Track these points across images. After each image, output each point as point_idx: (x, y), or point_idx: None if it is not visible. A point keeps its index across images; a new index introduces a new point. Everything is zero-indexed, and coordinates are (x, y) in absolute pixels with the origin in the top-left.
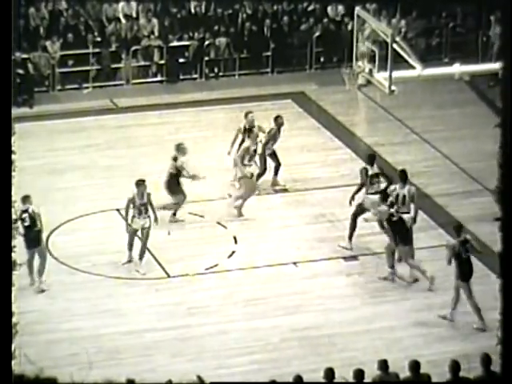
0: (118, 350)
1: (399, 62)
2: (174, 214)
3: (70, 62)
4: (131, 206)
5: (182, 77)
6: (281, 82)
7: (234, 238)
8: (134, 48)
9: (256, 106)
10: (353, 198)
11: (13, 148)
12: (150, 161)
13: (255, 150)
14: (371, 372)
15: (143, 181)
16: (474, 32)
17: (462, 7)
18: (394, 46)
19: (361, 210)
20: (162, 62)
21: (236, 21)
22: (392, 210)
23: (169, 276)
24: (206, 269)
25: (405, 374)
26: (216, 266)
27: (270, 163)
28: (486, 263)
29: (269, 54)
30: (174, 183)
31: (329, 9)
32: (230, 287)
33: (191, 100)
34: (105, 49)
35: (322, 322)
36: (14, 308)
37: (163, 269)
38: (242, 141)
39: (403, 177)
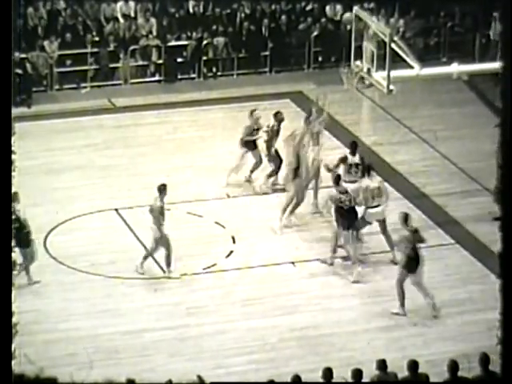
0: (116, 350)
1: (397, 61)
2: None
3: (68, 62)
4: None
5: (180, 76)
6: (279, 81)
7: (233, 238)
8: (132, 48)
9: (254, 105)
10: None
11: (13, 148)
12: (148, 160)
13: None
14: (370, 372)
15: (165, 186)
16: (472, 32)
17: (460, 7)
18: (393, 45)
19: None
20: (160, 61)
21: (234, 20)
22: (341, 197)
23: (167, 276)
24: (204, 269)
25: (403, 373)
26: (214, 265)
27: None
28: (485, 263)
29: (267, 53)
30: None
31: (327, 8)
32: (228, 287)
33: (189, 100)
34: (103, 48)
35: (320, 321)
36: (13, 308)
37: (161, 269)
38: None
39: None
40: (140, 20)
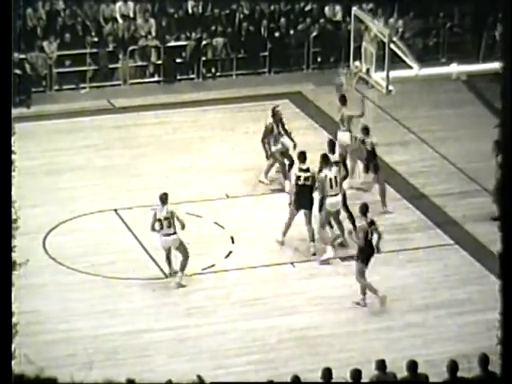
0: (116, 351)
1: (396, 62)
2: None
3: (68, 62)
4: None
5: (179, 77)
6: (278, 82)
7: (232, 238)
8: (131, 48)
9: (253, 106)
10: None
11: (13, 148)
12: (148, 161)
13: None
14: (369, 372)
15: (166, 195)
16: (471, 32)
17: (460, 7)
18: (392, 45)
19: None
20: (160, 62)
21: (233, 21)
22: (300, 174)
23: (166, 276)
24: (203, 269)
25: (402, 374)
26: (213, 266)
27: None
28: (484, 264)
29: (266, 54)
30: None
31: (326, 9)
32: (227, 288)
33: (188, 100)
34: (102, 49)
35: (320, 322)
36: (13, 308)
37: (160, 269)
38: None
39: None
40: (139, 20)
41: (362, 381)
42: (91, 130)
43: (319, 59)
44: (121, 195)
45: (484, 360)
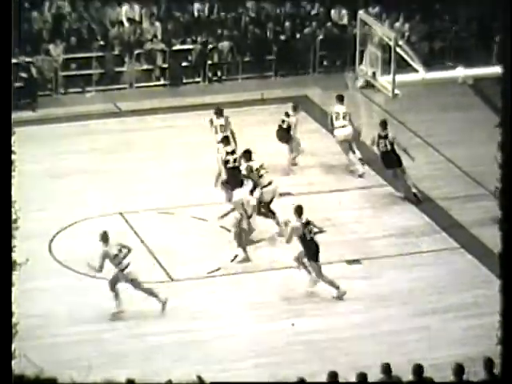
0: (121, 354)
1: (402, 65)
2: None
3: (74, 66)
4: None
5: (185, 80)
6: (284, 85)
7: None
8: (137, 51)
9: (259, 109)
10: None
11: (13, 148)
12: (154, 164)
13: None
14: (375, 376)
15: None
16: (477, 36)
17: (465, 11)
18: (398, 49)
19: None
20: (166, 65)
21: (239, 24)
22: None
23: (172, 279)
24: (209, 272)
25: (408, 377)
26: (218, 269)
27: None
28: (490, 267)
29: (272, 57)
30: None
31: (332, 12)
32: (234, 291)
33: (194, 104)
34: (108, 52)
35: (326, 325)
36: (13, 308)
37: (166, 272)
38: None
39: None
40: (145, 24)
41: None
42: (97, 134)
43: (325, 63)
44: (127, 199)
45: (489, 364)
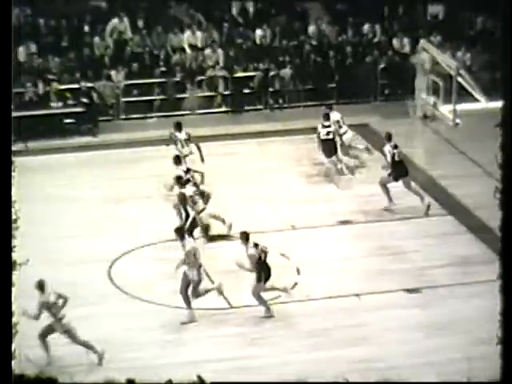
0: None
1: (463, 95)
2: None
3: (135, 92)
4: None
5: (246, 107)
6: (345, 113)
7: (297, 270)
8: (198, 78)
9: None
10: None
11: (13, 148)
12: (214, 191)
13: None
14: None
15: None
16: None
17: None
18: (459, 78)
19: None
20: (227, 92)
21: (301, 52)
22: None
23: (231, 307)
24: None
25: None
26: (278, 297)
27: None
28: None
29: (333, 85)
30: None
31: (394, 41)
32: (292, 318)
33: (255, 131)
34: (170, 78)
35: (384, 354)
36: (13, 308)
37: (224, 297)
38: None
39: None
40: (207, 51)
41: None
42: (158, 160)
43: (387, 91)
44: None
45: None
